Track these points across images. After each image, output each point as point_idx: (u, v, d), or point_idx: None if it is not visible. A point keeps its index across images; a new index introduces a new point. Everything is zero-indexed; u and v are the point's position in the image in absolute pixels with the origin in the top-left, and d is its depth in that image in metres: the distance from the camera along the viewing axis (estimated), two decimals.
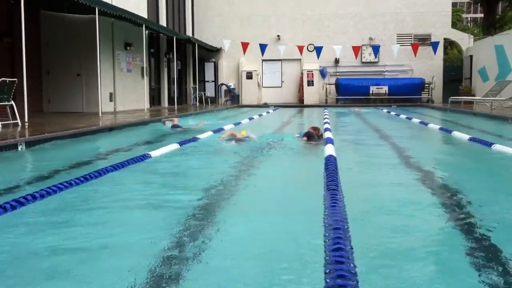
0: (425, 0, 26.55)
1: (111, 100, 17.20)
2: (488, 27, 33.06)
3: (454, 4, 41.35)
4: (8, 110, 10.22)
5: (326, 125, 11.07)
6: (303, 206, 4.04)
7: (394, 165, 6.42)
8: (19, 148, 7.43)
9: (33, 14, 15.24)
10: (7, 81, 9.90)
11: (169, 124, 11.84)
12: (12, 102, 10.18)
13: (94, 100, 15.50)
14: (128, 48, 18.31)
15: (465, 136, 8.72)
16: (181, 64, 25.13)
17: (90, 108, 16.03)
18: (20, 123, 10.06)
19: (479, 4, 41.87)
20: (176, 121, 11.87)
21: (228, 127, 10.97)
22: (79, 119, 12.72)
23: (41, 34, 16.28)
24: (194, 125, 12.09)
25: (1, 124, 9.47)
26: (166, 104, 22.73)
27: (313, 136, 8.10)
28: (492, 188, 4.96)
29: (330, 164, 5.45)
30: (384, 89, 25.72)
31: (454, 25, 34.22)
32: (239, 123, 12.62)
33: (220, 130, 10.05)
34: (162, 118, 12.99)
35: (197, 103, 25.08)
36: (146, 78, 18.87)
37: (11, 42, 14.06)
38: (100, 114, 13.97)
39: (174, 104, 20.85)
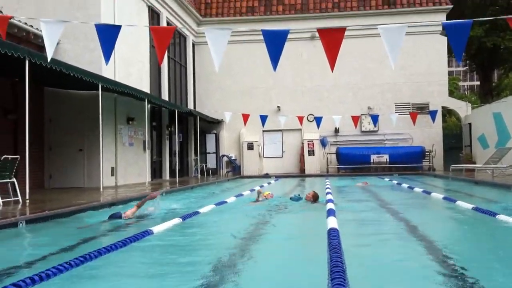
0: (421, 70, 27.02)
1: (112, 175, 17.19)
2: (485, 94, 33.67)
3: (450, 73, 42.29)
4: (10, 187, 10.21)
5: (329, 196, 11.08)
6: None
7: (400, 237, 6.34)
8: (20, 226, 7.38)
9: (37, 91, 15.52)
10: (10, 158, 9.96)
11: None
12: (14, 179, 10.19)
13: (95, 174, 15.51)
14: (130, 122, 18.48)
15: (469, 206, 8.71)
16: (182, 136, 25.36)
17: (91, 183, 16.00)
18: (21, 200, 10.02)
19: (474, 72, 42.83)
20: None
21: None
22: (80, 194, 12.67)
23: (44, 110, 16.48)
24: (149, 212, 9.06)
25: (2, 202, 9.44)
26: (167, 177, 22.74)
27: (316, 197, 10.50)
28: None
29: (333, 238, 5.39)
30: (385, 157, 25.78)
31: (451, 93, 34.87)
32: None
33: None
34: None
35: (199, 175, 25.11)
36: (147, 152, 18.96)
37: (15, 119, 14.24)
38: (101, 189, 13.94)
39: (176, 177, 20.84)
